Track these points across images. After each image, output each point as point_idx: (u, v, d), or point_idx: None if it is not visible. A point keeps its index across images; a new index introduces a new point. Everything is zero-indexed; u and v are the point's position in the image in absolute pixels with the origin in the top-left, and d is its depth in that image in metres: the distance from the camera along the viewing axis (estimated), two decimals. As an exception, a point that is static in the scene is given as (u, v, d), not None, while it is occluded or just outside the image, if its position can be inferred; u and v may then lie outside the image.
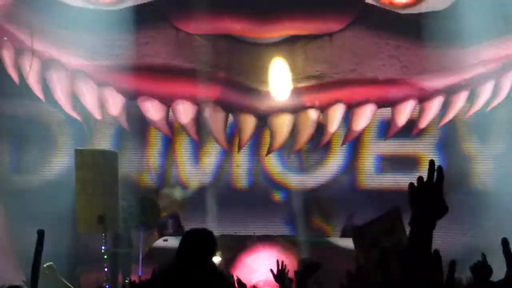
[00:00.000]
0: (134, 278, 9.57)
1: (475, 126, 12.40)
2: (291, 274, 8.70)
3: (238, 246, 11.12)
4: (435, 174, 2.69)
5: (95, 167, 9.45)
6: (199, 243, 4.77)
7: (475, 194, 11.92)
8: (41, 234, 6.81)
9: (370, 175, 12.59)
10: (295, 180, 12.54)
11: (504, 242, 3.38)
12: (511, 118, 12.44)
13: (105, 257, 9.79)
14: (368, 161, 12.66)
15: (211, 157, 12.43)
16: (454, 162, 12.04)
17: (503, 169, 11.89)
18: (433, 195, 2.70)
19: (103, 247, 9.78)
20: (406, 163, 12.28)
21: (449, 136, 12.40)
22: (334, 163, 12.57)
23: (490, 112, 12.32)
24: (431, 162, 2.73)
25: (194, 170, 12.47)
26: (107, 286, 9.76)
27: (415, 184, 2.65)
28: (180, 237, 9.23)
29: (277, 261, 7.46)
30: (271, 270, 7.09)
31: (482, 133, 12.46)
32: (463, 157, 12.44)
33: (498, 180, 11.85)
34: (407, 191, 2.70)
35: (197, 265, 4.78)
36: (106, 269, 9.83)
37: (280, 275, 7.17)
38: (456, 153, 12.34)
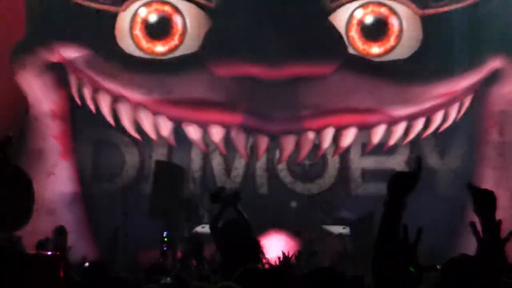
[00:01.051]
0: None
1: (435, 145, 13.92)
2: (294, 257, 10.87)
3: (255, 233, 13.28)
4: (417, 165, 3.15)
5: (166, 173, 11.65)
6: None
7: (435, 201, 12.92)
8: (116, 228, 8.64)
9: (358, 184, 14.11)
10: (300, 187, 14.04)
11: (472, 224, 3.36)
12: (461, 139, 13.90)
13: (165, 239, 11.48)
14: (356, 173, 14.07)
15: (237, 169, 13.93)
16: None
17: (458, 180, 12.95)
18: (409, 178, 3.13)
19: (164, 233, 11.55)
20: (384, 174, 12.74)
21: (414, 154, 13.49)
22: (329, 174, 14.06)
23: (446, 134, 13.79)
24: (418, 157, 3.32)
25: (225, 178, 13.85)
26: (164, 248, 11.22)
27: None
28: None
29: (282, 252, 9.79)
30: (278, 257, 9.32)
31: (441, 151, 13.90)
32: (427, 170, 13.08)
33: (456, 190, 12.69)
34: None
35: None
36: (164, 248, 11.46)
37: (284, 261, 9.31)
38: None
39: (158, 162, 12.17)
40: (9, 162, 7.92)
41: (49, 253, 9.22)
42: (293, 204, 13.75)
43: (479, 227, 3.48)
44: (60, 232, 11.25)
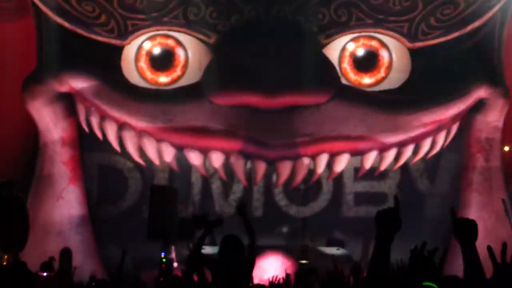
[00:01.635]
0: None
1: (424, 171, 14.35)
2: (291, 276, 11.16)
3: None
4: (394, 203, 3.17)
5: (164, 198, 11.74)
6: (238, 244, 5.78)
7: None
8: (124, 252, 9.08)
9: (350, 207, 14.56)
10: (294, 210, 14.40)
11: (489, 248, 3.34)
12: (449, 165, 14.37)
13: (164, 260, 11.65)
14: (348, 196, 14.52)
15: (236, 193, 14.28)
16: (409, 197, 13.29)
17: (446, 204, 13.09)
18: (391, 217, 3.15)
19: (162, 254, 11.66)
20: (375, 198, 13.99)
21: (405, 178, 14.26)
22: (323, 198, 14.48)
23: (433, 161, 14.21)
24: (395, 197, 3.28)
25: (223, 202, 14.29)
26: (163, 268, 11.28)
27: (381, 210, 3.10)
28: (213, 247, 11.46)
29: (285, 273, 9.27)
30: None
31: (430, 176, 14.36)
32: (417, 193, 14.17)
33: (443, 211, 12.94)
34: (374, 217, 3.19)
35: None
36: (163, 268, 11.54)
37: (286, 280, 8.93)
38: (412, 191, 14.04)
39: (154, 187, 12.39)
40: (13, 187, 8.63)
41: (47, 274, 9.72)
42: (286, 226, 14.17)
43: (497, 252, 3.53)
44: (65, 253, 11.61)
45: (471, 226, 3.47)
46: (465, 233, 3.43)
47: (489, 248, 3.50)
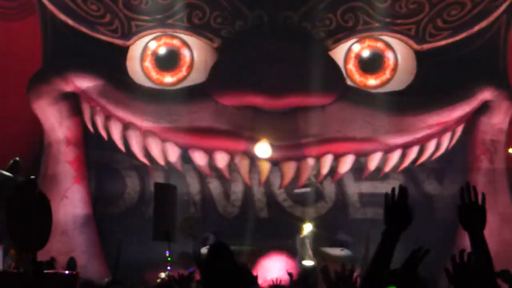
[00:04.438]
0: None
1: (432, 172, 14.28)
2: (295, 275, 11.12)
3: (257, 253, 12.98)
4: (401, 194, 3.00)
5: (165, 195, 11.71)
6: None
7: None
8: (120, 243, 9.00)
9: (356, 208, 14.49)
10: (300, 210, 14.33)
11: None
12: (456, 166, 14.30)
13: (169, 259, 11.47)
14: (353, 198, 14.44)
15: (236, 193, 14.20)
16: (416, 200, 12.77)
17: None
18: (401, 210, 3.01)
19: (167, 252, 11.51)
20: (382, 199, 14.34)
21: (409, 179, 14.03)
22: (329, 199, 14.42)
23: (441, 161, 14.15)
24: (401, 187, 3.08)
25: (225, 202, 14.29)
26: (169, 267, 11.19)
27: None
28: None
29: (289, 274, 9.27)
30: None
31: (439, 177, 14.28)
32: (424, 195, 14.06)
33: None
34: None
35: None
36: (169, 268, 11.39)
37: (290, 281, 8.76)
38: (418, 193, 13.83)
39: (157, 184, 12.35)
40: (36, 186, 8.75)
41: (67, 272, 9.98)
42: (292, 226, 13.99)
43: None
44: (71, 262, 11.75)
45: (479, 212, 3.20)
46: (471, 220, 3.18)
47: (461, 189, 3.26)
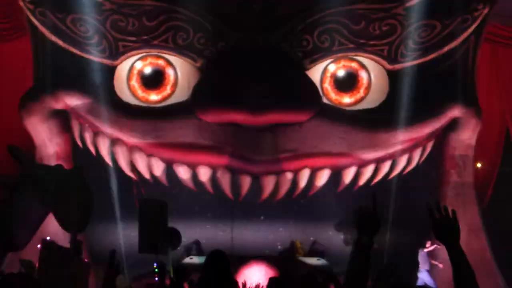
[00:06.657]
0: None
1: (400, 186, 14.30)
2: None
3: (238, 262, 12.96)
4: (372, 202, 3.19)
5: (152, 210, 11.30)
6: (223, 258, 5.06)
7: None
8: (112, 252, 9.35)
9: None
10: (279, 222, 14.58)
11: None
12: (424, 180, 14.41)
13: (156, 270, 10.83)
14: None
15: (221, 207, 14.26)
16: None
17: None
18: (371, 217, 3.23)
19: (155, 264, 11.05)
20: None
21: (382, 192, 13.71)
22: (308, 210, 14.41)
23: (411, 175, 14.37)
24: (373, 195, 3.35)
25: (210, 214, 14.42)
26: (156, 278, 10.38)
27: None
28: (201, 257, 11.52)
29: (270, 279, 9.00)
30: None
31: (406, 191, 14.27)
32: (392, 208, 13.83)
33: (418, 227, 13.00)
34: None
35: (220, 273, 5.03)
36: (156, 278, 10.60)
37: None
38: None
39: (141, 201, 12.03)
40: (79, 172, 9.16)
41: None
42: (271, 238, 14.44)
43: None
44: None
45: (452, 224, 3.25)
46: (446, 233, 3.23)
47: (428, 207, 3.35)
